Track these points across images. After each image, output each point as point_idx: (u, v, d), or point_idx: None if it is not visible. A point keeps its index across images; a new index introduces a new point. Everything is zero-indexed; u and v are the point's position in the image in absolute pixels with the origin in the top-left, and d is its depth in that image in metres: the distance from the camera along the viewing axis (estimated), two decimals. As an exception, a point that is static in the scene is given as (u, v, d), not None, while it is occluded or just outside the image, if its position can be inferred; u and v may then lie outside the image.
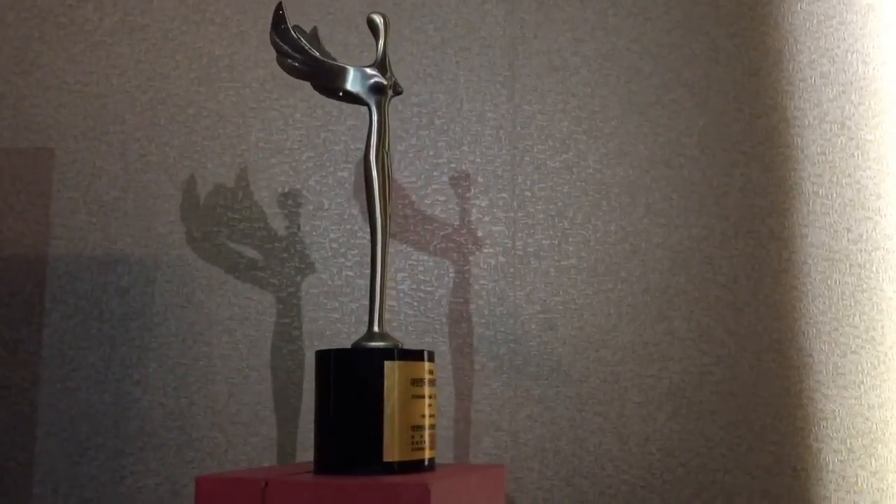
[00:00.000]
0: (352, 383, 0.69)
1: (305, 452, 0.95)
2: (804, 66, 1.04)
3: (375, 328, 0.73)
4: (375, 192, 0.74)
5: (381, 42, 0.76)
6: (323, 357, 0.70)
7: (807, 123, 1.03)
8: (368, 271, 0.98)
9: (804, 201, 1.02)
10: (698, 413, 0.98)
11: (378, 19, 0.76)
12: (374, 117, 0.75)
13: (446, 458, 0.96)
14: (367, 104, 0.76)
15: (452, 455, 0.96)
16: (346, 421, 0.68)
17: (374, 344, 0.71)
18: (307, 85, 1.02)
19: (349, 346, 0.71)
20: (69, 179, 0.98)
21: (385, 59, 0.76)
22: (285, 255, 0.99)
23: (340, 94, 0.76)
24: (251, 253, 0.99)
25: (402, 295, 0.99)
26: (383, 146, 0.75)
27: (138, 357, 0.95)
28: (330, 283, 0.99)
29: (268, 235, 0.99)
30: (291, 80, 1.01)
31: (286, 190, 1.00)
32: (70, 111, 1.00)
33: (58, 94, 1.00)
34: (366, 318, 0.98)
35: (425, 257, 1.00)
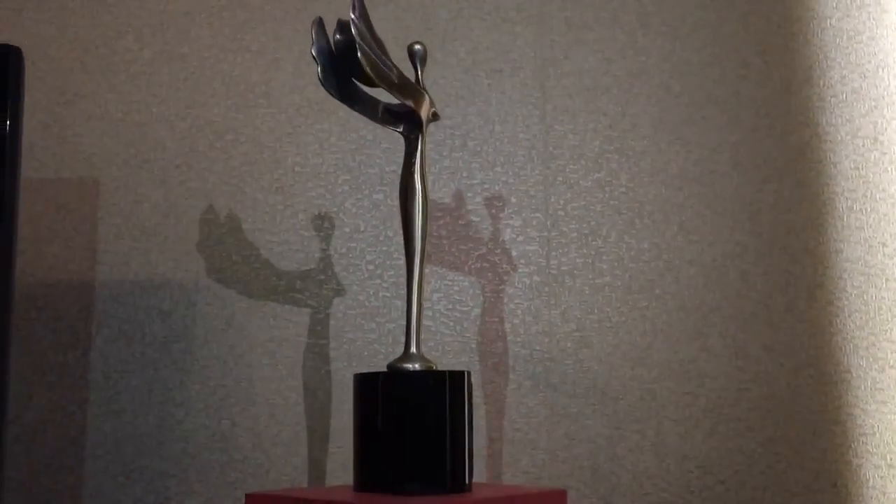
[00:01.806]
0: (397, 405, 0.70)
1: (346, 472, 0.96)
2: (835, 82, 1.05)
3: (413, 349, 0.74)
4: (417, 216, 0.75)
5: (421, 70, 0.78)
6: (366, 380, 0.72)
7: (839, 139, 1.03)
8: (404, 292, 1.00)
9: (838, 216, 1.02)
10: (736, 430, 0.97)
11: (418, 48, 0.78)
12: (419, 143, 0.76)
13: (483, 476, 0.97)
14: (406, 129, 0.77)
15: (492, 474, 0.97)
16: (392, 441, 0.69)
17: (415, 366, 0.72)
18: (342, 109, 1.04)
19: (385, 369, 0.73)
20: (112, 206, 1.01)
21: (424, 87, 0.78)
22: (322, 277, 1.01)
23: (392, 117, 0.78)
24: (289, 275, 1.01)
25: (438, 315, 1.00)
26: (424, 169, 0.77)
27: (181, 380, 0.97)
28: (367, 304, 1.00)
29: (305, 258, 1.01)
30: (326, 105, 1.04)
31: (322, 213, 1.02)
32: (112, 139, 1.02)
33: (100, 123, 1.03)
34: (402, 338, 0.99)
35: (461, 277, 1.01)
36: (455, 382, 0.71)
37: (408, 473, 0.69)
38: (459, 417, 0.71)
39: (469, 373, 0.73)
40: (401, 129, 0.78)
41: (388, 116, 0.79)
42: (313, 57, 0.73)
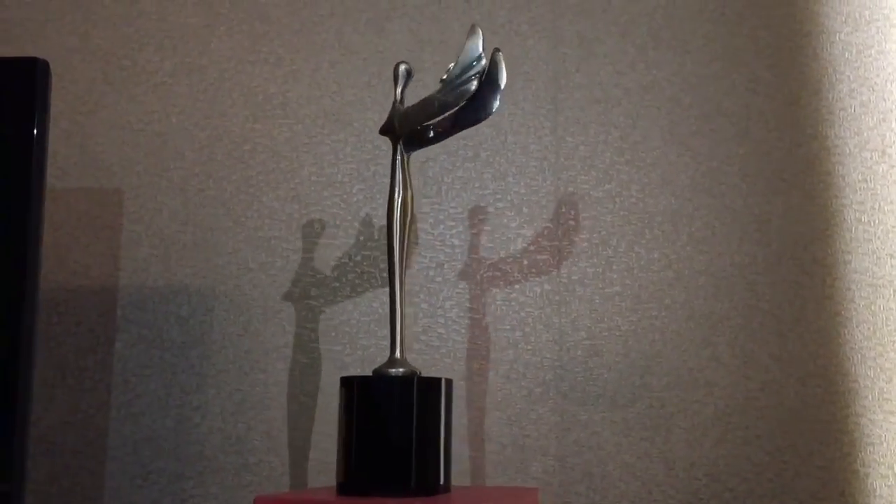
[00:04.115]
0: (375, 409, 0.73)
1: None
2: (844, 95, 1.06)
3: (397, 355, 0.76)
4: (395, 226, 0.78)
5: (402, 87, 0.82)
6: (346, 383, 0.75)
7: (847, 151, 1.05)
8: (417, 300, 1.02)
9: (846, 228, 1.03)
10: (744, 438, 0.99)
11: (403, 68, 0.81)
12: (397, 155, 0.80)
13: (494, 483, 0.98)
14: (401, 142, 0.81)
15: (501, 480, 0.98)
16: (365, 444, 0.72)
17: (394, 371, 0.74)
18: (357, 120, 1.06)
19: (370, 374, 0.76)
20: (132, 214, 1.03)
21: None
22: (337, 284, 1.03)
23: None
24: (305, 283, 1.03)
25: (450, 322, 1.02)
26: (404, 181, 0.81)
27: (198, 384, 0.99)
28: (380, 311, 1.02)
29: (320, 266, 1.03)
30: (342, 116, 1.06)
31: (338, 222, 1.04)
32: (133, 149, 1.05)
33: (121, 132, 1.05)
34: (415, 346, 1.01)
35: (472, 285, 1.03)
36: (430, 388, 0.74)
37: (380, 476, 0.71)
38: (433, 422, 0.73)
39: (448, 380, 0.76)
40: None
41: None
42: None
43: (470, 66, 0.77)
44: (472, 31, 0.78)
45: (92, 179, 1.04)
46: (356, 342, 1.01)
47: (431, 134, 0.82)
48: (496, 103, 0.77)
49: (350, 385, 0.75)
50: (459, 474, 0.99)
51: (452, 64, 0.79)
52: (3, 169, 0.76)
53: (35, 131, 0.76)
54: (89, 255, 1.02)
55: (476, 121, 0.79)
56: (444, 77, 0.78)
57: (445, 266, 1.03)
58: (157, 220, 1.03)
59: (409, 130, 0.80)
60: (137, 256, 1.02)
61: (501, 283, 1.03)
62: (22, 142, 0.75)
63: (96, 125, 1.06)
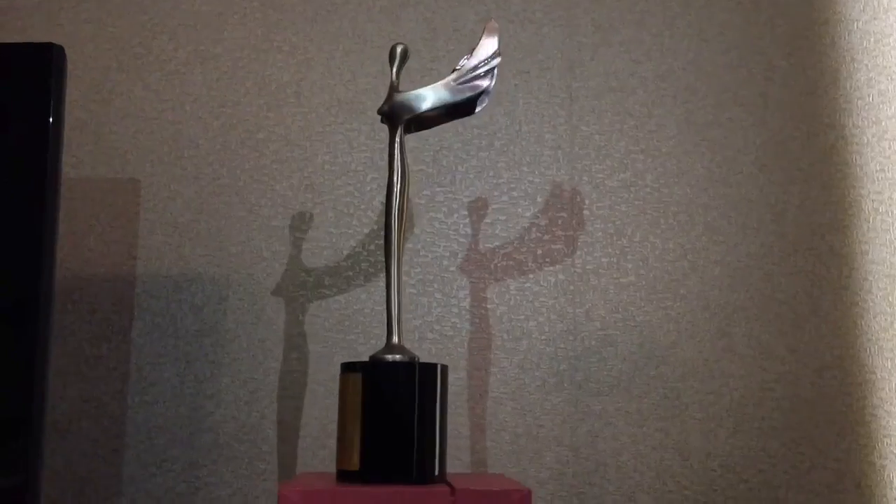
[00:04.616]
0: (372, 395, 0.73)
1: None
2: (862, 85, 1.05)
3: (394, 340, 0.76)
4: (393, 212, 0.78)
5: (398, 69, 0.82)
6: (346, 369, 0.75)
7: (865, 141, 1.04)
8: (431, 289, 1.01)
9: (864, 218, 1.02)
10: (760, 430, 0.98)
11: (400, 49, 0.81)
12: (395, 138, 0.80)
13: (509, 473, 0.98)
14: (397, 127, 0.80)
15: (516, 470, 0.98)
16: (363, 430, 0.72)
17: (391, 357, 0.74)
18: (371, 109, 1.06)
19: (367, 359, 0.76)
20: (146, 202, 1.03)
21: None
22: (350, 273, 1.03)
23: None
24: (318, 271, 1.03)
25: (464, 312, 1.01)
26: (403, 166, 0.80)
27: (212, 372, 0.99)
28: (394, 300, 1.02)
29: (334, 254, 1.03)
30: (355, 104, 1.06)
31: (351, 210, 1.04)
32: (147, 137, 1.05)
33: (135, 121, 1.05)
34: (429, 335, 1.01)
35: (486, 275, 1.02)
36: (427, 375, 0.73)
37: (373, 463, 0.71)
38: (429, 409, 0.72)
39: (444, 366, 0.75)
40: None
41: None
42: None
43: (485, 62, 0.77)
44: (490, 28, 0.77)
45: (106, 168, 1.04)
46: (370, 331, 1.01)
47: (423, 121, 0.81)
48: (481, 106, 0.79)
49: (351, 371, 0.74)
50: (474, 464, 0.98)
51: (467, 57, 0.79)
52: (20, 156, 0.76)
53: (51, 118, 0.76)
54: (104, 244, 1.02)
55: (463, 115, 0.81)
56: (458, 67, 0.78)
57: (459, 255, 1.03)
58: (171, 209, 1.03)
59: (410, 116, 0.79)
60: (152, 245, 1.02)
61: (515, 272, 1.03)
62: (38, 127, 0.75)
63: (110, 114, 1.06)
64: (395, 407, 0.72)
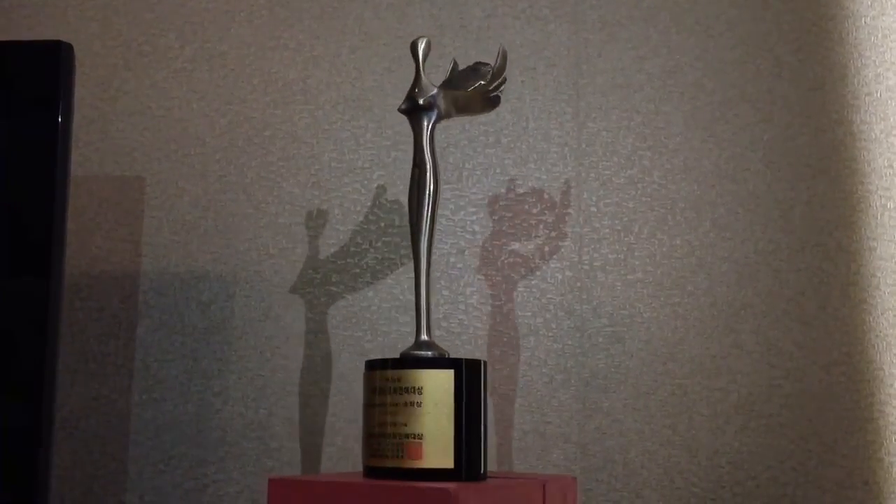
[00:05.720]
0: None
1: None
2: (870, 80, 1.05)
3: (424, 336, 0.75)
4: (426, 206, 0.77)
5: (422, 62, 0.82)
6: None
7: (873, 137, 1.03)
8: (438, 286, 1.01)
9: (872, 214, 1.02)
10: (767, 426, 0.98)
11: (424, 42, 0.81)
12: (422, 131, 0.80)
13: (516, 469, 0.98)
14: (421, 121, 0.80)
15: (523, 467, 0.98)
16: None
17: (421, 353, 0.74)
18: (377, 106, 1.06)
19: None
20: (153, 200, 1.03)
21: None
22: (357, 270, 1.03)
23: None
24: (325, 268, 1.02)
25: (471, 309, 1.01)
26: (433, 158, 0.80)
27: (219, 369, 0.99)
28: (401, 297, 1.02)
29: (341, 251, 1.03)
30: (362, 102, 1.06)
31: (358, 207, 1.04)
32: (154, 135, 1.05)
33: (142, 118, 1.05)
34: (437, 333, 1.00)
35: (493, 272, 1.02)
36: (471, 370, 0.72)
37: (468, 461, 0.69)
38: (475, 405, 0.71)
39: (485, 362, 0.74)
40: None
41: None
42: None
43: (502, 81, 0.82)
44: (503, 54, 0.81)
45: (113, 166, 1.04)
46: (377, 328, 1.01)
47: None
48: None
49: (376, 368, 0.73)
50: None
51: (488, 64, 0.80)
52: (30, 154, 0.76)
53: (59, 117, 0.76)
54: (111, 241, 1.02)
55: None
56: (482, 82, 0.79)
57: (466, 252, 1.03)
58: (178, 206, 1.03)
59: (447, 112, 0.80)
60: (159, 242, 1.02)
61: (523, 269, 1.03)
62: (47, 124, 0.75)
63: (117, 111, 1.06)
64: (477, 403, 0.71)
